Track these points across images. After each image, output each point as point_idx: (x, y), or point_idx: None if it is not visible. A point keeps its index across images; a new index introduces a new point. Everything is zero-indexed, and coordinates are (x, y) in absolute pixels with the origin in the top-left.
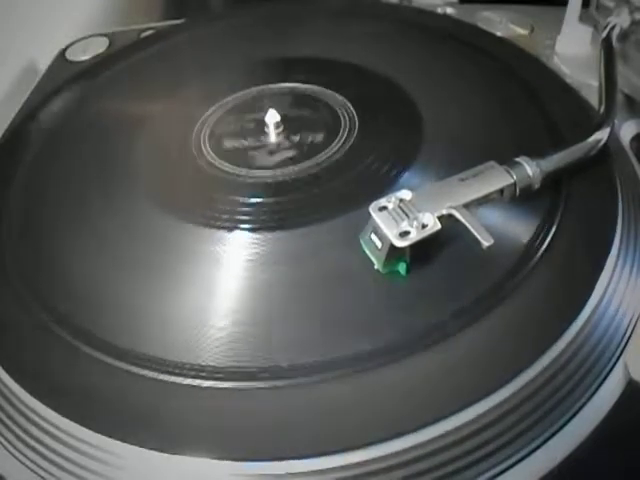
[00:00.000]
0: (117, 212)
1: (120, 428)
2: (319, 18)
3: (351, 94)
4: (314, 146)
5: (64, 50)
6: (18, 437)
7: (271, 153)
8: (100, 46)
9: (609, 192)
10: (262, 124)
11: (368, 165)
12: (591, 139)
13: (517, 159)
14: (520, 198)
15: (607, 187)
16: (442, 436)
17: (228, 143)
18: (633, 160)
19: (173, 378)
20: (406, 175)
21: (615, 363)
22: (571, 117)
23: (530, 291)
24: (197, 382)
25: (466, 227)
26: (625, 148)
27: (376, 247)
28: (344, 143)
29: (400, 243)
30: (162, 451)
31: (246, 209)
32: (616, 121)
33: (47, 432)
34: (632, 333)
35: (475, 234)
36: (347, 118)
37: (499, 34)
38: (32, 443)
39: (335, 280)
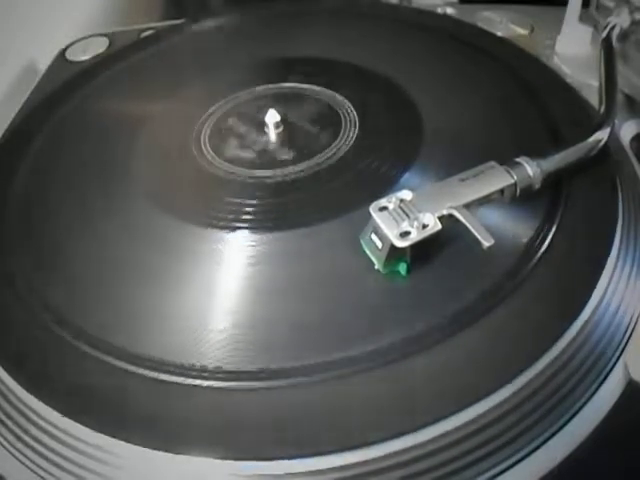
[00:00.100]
0: (117, 212)
1: (120, 428)
2: (319, 18)
3: (351, 94)
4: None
5: (64, 50)
6: (18, 437)
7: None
8: (100, 46)
9: (609, 192)
10: (262, 124)
11: (368, 165)
12: (591, 139)
13: (517, 159)
14: (520, 198)
15: (607, 187)
16: (442, 436)
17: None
18: (633, 160)
19: (173, 378)
20: (406, 175)
21: (615, 363)
22: (571, 117)
23: (530, 291)
24: (197, 382)
25: (466, 227)
26: (625, 148)
27: (376, 247)
28: (344, 143)
29: (401, 243)
30: (162, 451)
31: (246, 209)
32: (616, 121)
33: (47, 432)
34: (632, 333)
35: (475, 234)
36: (347, 118)
37: (499, 34)
38: (32, 443)
39: (335, 280)
